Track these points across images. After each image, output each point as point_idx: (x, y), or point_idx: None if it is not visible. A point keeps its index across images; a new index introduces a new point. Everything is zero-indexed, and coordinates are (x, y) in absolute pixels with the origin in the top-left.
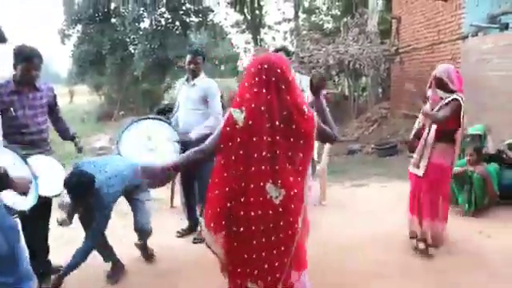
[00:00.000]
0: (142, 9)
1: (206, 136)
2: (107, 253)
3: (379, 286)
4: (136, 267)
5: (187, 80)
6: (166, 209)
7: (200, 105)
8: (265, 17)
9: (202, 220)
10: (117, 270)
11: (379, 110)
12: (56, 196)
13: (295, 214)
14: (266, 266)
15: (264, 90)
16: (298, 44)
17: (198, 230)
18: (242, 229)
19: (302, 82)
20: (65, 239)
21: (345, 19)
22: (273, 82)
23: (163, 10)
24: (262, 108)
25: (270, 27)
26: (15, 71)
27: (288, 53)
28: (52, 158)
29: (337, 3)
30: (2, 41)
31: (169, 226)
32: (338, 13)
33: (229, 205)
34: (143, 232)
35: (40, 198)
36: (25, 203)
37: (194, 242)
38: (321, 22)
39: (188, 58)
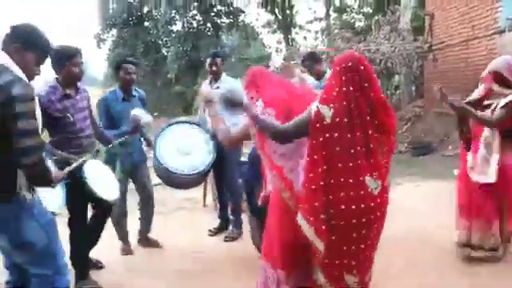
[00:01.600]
0: (174, 11)
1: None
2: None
3: (408, 284)
4: (165, 266)
5: (210, 83)
6: (198, 208)
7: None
8: (296, 16)
9: (301, 218)
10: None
11: (413, 109)
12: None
13: (386, 205)
14: (362, 257)
15: (351, 88)
16: (328, 43)
17: (230, 229)
18: (342, 222)
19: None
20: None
21: (376, 17)
22: (357, 80)
23: (195, 12)
24: (352, 105)
25: (301, 27)
26: (59, 74)
27: (315, 58)
28: (102, 164)
29: (368, 1)
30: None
31: (201, 225)
32: (370, 11)
33: (325, 199)
34: None
35: (101, 201)
36: (53, 205)
37: (226, 241)
38: (352, 21)
39: (208, 61)
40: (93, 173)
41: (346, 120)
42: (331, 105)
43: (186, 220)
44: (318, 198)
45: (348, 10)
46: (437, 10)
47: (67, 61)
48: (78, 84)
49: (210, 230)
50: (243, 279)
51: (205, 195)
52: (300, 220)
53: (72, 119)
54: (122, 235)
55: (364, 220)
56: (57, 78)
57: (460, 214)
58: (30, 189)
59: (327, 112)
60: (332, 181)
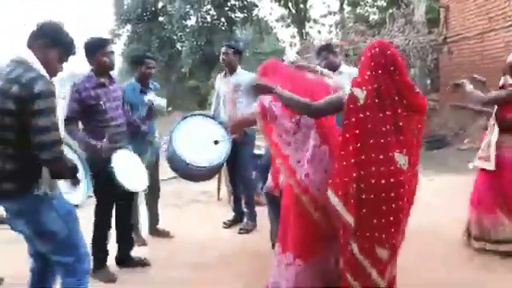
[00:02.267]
0: (188, 6)
1: None
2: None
3: (421, 278)
4: (180, 258)
5: (225, 75)
6: (213, 201)
7: (243, 97)
8: (309, 10)
9: (331, 193)
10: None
11: (428, 102)
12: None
13: (415, 180)
14: (393, 229)
15: (379, 71)
16: (342, 37)
17: (244, 221)
18: (372, 196)
19: (345, 70)
20: None
21: (390, 10)
22: (384, 64)
23: (209, 6)
24: (382, 87)
25: (315, 21)
26: (92, 65)
27: (331, 50)
28: (133, 153)
29: None
30: (74, 53)
31: (216, 218)
32: (384, 4)
33: (355, 175)
34: None
35: (127, 192)
36: (76, 198)
37: (240, 233)
38: (366, 14)
39: (221, 50)
40: (121, 163)
41: (376, 101)
42: (363, 87)
43: (201, 213)
44: (349, 173)
45: (362, 3)
46: (452, 2)
47: (98, 51)
48: (112, 74)
49: (224, 223)
50: (256, 271)
51: (219, 188)
52: (330, 195)
53: (104, 107)
54: (151, 229)
55: (393, 194)
56: (92, 69)
57: (471, 206)
58: (50, 182)
59: (360, 94)
60: (363, 157)
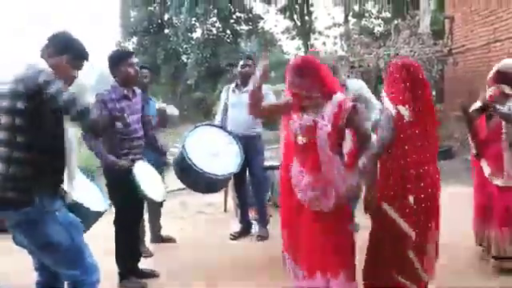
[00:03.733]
0: (193, 19)
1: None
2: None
3: None
4: (187, 270)
5: (236, 86)
6: (219, 212)
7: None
8: (315, 22)
9: (388, 207)
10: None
11: None
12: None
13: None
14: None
15: (414, 90)
16: (348, 49)
17: (257, 229)
18: (424, 205)
19: (351, 86)
20: None
21: (395, 22)
22: (413, 84)
23: (214, 19)
24: (419, 106)
25: (320, 33)
26: (116, 76)
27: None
28: (149, 165)
29: (387, 6)
30: (86, 58)
31: (222, 229)
32: (389, 15)
33: (410, 186)
34: None
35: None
36: (97, 204)
37: (258, 240)
38: (371, 26)
39: (242, 62)
40: (142, 174)
41: (415, 118)
42: (406, 106)
43: (207, 224)
44: (405, 186)
45: (367, 15)
46: (457, 14)
47: (122, 62)
48: (134, 87)
49: (231, 234)
50: (267, 280)
51: (226, 200)
52: (385, 207)
53: (128, 120)
54: (156, 237)
55: (434, 202)
56: (117, 80)
57: (482, 223)
58: (55, 192)
59: (405, 112)
60: (412, 171)
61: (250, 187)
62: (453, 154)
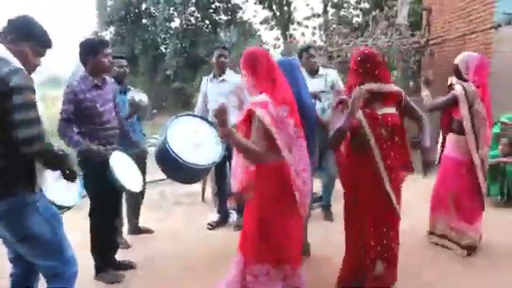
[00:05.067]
0: (172, 9)
1: None
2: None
3: (413, 276)
4: (166, 259)
5: (214, 76)
6: (197, 202)
7: (232, 98)
8: (293, 13)
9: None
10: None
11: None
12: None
13: None
14: None
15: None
16: (326, 39)
17: (235, 218)
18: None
19: (328, 76)
20: None
21: (374, 12)
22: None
23: (193, 9)
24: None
25: (299, 23)
26: (87, 66)
27: (311, 51)
28: (126, 155)
29: None
30: (50, 46)
31: (200, 220)
32: (367, 6)
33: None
34: None
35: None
36: (69, 200)
37: (235, 230)
38: (350, 17)
39: (217, 52)
40: (118, 164)
41: None
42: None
43: (185, 214)
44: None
45: (345, 5)
46: (434, 5)
47: (97, 52)
48: (105, 76)
49: (209, 224)
50: None
51: (203, 190)
52: (390, 191)
53: (100, 110)
54: (134, 228)
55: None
56: (88, 69)
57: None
58: (33, 183)
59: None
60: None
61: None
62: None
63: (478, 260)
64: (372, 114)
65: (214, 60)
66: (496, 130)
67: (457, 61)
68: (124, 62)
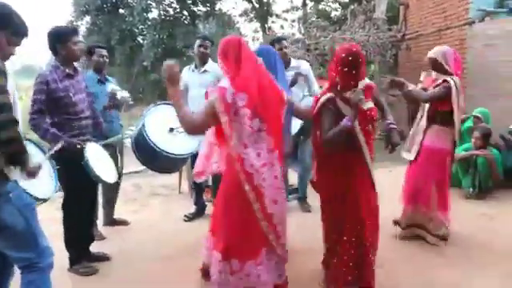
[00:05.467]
0: None
1: None
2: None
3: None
4: (142, 251)
5: (196, 67)
6: (174, 194)
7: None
8: (272, 5)
9: None
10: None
11: (387, 97)
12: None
13: None
14: None
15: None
16: (304, 32)
17: (207, 214)
18: None
19: (301, 66)
20: None
21: (352, 6)
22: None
23: None
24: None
25: (277, 16)
26: (57, 54)
27: (283, 43)
28: (100, 146)
29: None
30: (26, 35)
31: (176, 211)
32: (346, 0)
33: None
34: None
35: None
36: (44, 192)
37: (185, 220)
38: (329, 10)
39: (198, 42)
40: (93, 155)
41: None
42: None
43: (162, 206)
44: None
45: None
46: (411, 0)
47: (67, 40)
48: (76, 65)
49: (185, 216)
50: None
51: (180, 182)
52: None
53: (73, 99)
54: (109, 220)
55: None
56: (58, 58)
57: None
58: (4, 173)
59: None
60: None
61: None
62: (404, 136)
63: (451, 251)
64: (360, 109)
65: (195, 50)
66: (469, 123)
67: (433, 54)
68: (104, 52)
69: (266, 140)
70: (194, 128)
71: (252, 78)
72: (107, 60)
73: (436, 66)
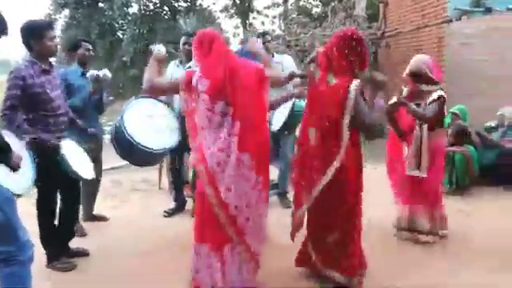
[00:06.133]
0: None
1: None
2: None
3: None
4: (122, 247)
5: (181, 62)
6: (153, 190)
7: None
8: (253, 1)
9: None
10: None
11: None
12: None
13: None
14: None
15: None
16: (285, 28)
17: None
18: None
19: (284, 61)
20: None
21: (332, 3)
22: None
23: None
24: None
25: (258, 12)
26: (32, 50)
27: (266, 37)
28: (75, 143)
29: None
30: (5, 33)
31: (156, 207)
32: None
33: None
34: None
35: (73, 183)
36: (20, 187)
37: (193, 216)
38: (309, 7)
39: (183, 40)
40: (70, 152)
41: None
42: None
43: (141, 201)
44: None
45: None
46: None
47: (42, 35)
48: (51, 60)
49: (165, 211)
50: None
51: (160, 177)
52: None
53: (50, 95)
54: (88, 216)
55: None
56: (33, 53)
57: (398, 200)
58: None
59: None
60: None
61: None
62: (385, 133)
63: (433, 247)
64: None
65: (180, 47)
66: (447, 120)
67: (416, 68)
68: (90, 46)
69: (230, 124)
70: (152, 84)
71: (216, 66)
72: (93, 54)
73: (422, 77)
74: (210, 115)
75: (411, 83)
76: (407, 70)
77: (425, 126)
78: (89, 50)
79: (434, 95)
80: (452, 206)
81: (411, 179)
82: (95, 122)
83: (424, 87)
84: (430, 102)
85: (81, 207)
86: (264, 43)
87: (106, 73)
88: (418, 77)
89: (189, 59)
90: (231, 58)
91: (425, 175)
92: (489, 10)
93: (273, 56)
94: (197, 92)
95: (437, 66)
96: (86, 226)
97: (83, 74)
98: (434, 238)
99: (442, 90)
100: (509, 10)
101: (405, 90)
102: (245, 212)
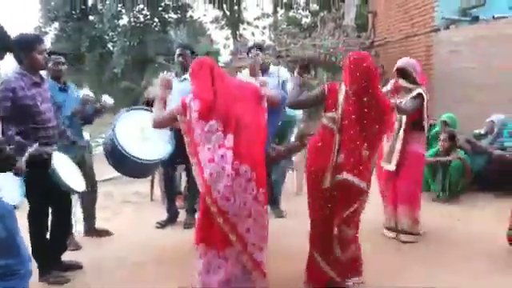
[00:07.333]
0: (120, 5)
1: None
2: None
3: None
4: (115, 259)
5: (176, 75)
6: (146, 201)
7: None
8: (244, 12)
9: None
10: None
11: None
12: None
13: None
14: None
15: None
16: (275, 39)
17: (185, 217)
18: None
19: (280, 72)
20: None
21: (322, 14)
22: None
23: (142, 6)
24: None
25: (248, 23)
26: (22, 63)
27: (261, 48)
28: (66, 156)
29: None
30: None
31: (149, 218)
32: (316, 8)
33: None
34: None
35: (62, 196)
36: (11, 198)
37: (185, 228)
38: (299, 17)
39: (177, 51)
40: (60, 164)
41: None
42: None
43: (134, 213)
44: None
45: (295, 6)
46: (379, 8)
47: (32, 48)
48: (42, 73)
49: (158, 223)
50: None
51: (152, 189)
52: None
53: (41, 108)
54: (90, 226)
55: None
56: (23, 66)
57: (383, 200)
58: None
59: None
60: None
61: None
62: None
63: (423, 250)
64: None
65: (175, 59)
66: (437, 129)
67: (402, 64)
68: (60, 59)
69: (220, 138)
70: (157, 121)
71: (205, 88)
72: (63, 67)
73: (406, 74)
74: (203, 132)
75: (396, 78)
76: (395, 66)
77: (403, 121)
78: (58, 63)
79: (414, 93)
80: (442, 211)
81: (388, 176)
82: (78, 134)
83: (406, 84)
84: (410, 99)
85: (82, 221)
86: (257, 55)
87: (106, 100)
88: (403, 73)
89: (184, 71)
90: (224, 79)
91: (393, 169)
92: (476, 19)
93: (268, 68)
94: (190, 111)
95: (422, 72)
96: (79, 238)
97: (60, 89)
98: (415, 237)
99: (422, 90)
100: (495, 19)
101: (390, 83)
102: (245, 222)
